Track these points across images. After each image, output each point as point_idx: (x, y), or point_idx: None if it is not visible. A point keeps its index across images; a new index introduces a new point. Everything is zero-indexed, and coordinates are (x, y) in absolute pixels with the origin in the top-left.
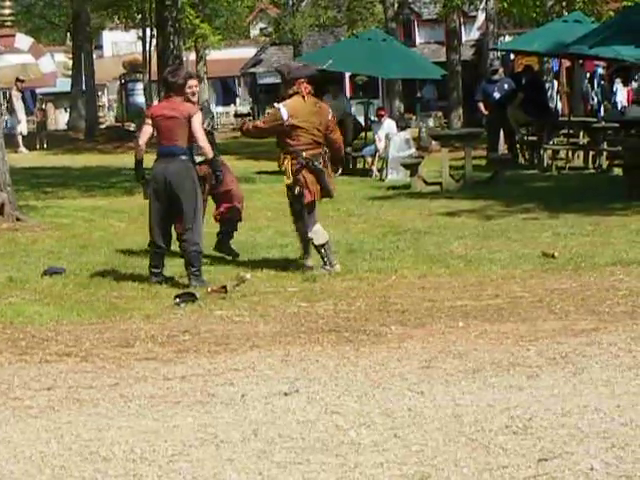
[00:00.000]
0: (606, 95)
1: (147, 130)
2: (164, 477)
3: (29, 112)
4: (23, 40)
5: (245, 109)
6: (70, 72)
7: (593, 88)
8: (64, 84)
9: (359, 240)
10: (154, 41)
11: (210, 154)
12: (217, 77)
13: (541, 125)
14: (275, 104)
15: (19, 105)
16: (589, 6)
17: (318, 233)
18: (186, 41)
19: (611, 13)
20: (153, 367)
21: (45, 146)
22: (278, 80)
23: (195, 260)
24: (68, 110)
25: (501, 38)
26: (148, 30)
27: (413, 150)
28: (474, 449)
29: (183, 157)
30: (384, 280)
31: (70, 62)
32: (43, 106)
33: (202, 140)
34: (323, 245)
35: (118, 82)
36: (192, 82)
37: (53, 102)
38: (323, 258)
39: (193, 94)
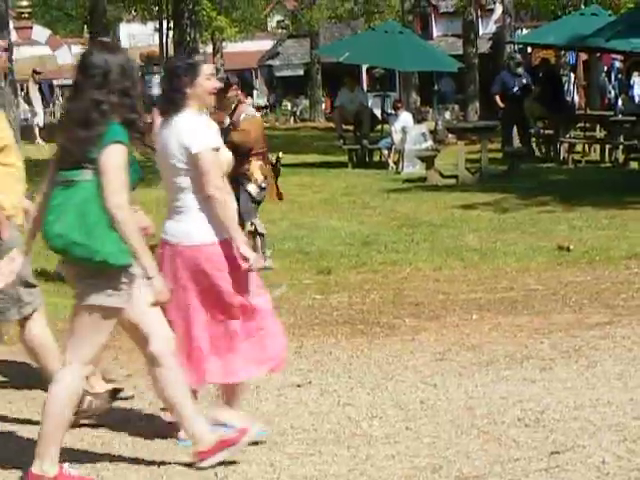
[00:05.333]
0: (623, 88)
1: None
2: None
3: (46, 103)
4: (40, 32)
5: (262, 102)
6: None
7: (610, 81)
8: None
9: (374, 232)
10: (171, 33)
11: None
12: (234, 70)
13: (557, 118)
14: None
15: (36, 97)
16: None
17: (262, 225)
18: (203, 33)
19: (629, 5)
20: None
21: None
22: (295, 73)
23: None
24: None
25: (518, 31)
26: (165, 22)
27: (429, 143)
28: (486, 441)
29: None
30: (398, 273)
31: None
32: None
33: None
34: (263, 235)
35: None
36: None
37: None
38: (261, 248)
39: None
